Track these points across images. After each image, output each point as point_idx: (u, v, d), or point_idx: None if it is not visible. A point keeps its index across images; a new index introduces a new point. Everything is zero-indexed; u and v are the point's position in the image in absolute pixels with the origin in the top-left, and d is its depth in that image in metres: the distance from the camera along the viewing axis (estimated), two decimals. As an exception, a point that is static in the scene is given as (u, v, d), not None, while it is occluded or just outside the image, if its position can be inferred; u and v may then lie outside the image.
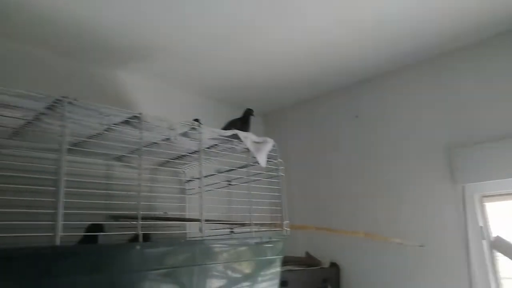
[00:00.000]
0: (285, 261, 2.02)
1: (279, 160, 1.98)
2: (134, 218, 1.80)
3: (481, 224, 2.07)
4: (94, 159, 2.06)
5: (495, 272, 2.03)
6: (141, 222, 1.37)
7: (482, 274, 2.02)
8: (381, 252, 2.41)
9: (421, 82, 2.40)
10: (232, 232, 2.16)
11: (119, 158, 2.15)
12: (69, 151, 1.89)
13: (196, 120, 1.88)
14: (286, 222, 1.91)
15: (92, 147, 1.79)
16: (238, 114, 2.23)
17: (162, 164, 2.26)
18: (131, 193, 1.45)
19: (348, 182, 2.66)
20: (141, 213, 1.39)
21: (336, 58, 2.36)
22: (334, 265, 2.60)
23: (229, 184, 2.22)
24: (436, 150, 2.26)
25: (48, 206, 1.44)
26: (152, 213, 1.99)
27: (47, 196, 1.40)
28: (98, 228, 1.57)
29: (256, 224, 1.79)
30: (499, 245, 2.04)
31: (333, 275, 2.56)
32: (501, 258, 2.04)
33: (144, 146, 1.85)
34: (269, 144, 1.92)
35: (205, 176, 2.25)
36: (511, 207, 2.08)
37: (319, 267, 2.56)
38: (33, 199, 1.37)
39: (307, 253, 2.64)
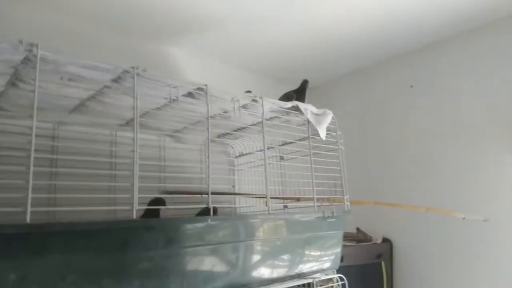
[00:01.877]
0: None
1: (338, 133, 1.91)
2: (190, 192, 1.79)
3: (553, 198, 1.95)
4: (146, 135, 2.04)
5: None
6: (211, 195, 1.34)
7: (554, 251, 1.92)
8: (437, 227, 2.32)
9: (484, 47, 2.23)
10: (286, 207, 2.12)
11: (171, 134, 2.12)
12: (123, 127, 1.90)
13: (248, 92, 1.82)
14: (347, 196, 1.85)
15: (150, 122, 1.76)
16: (282, 88, 2.15)
17: (212, 140, 2.23)
18: (195, 164, 1.42)
19: (405, 155, 2.55)
20: (211, 186, 1.35)
21: (390, 24, 2.21)
22: (386, 241, 2.54)
23: (281, 158, 2.17)
24: (502, 120, 2.11)
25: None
26: (214, 185, 1.97)
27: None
28: (160, 202, 1.55)
29: (318, 199, 1.74)
30: None
31: (386, 250, 2.50)
32: None
33: (199, 121, 1.82)
34: (329, 116, 1.85)
35: (259, 151, 2.22)
36: None
37: (371, 242, 2.50)
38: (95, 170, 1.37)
39: (358, 229, 2.59)
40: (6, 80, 1.29)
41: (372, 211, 2.56)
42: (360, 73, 2.88)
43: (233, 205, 2.02)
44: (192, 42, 2.35)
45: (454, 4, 2.01)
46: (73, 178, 1.61)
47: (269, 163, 2.10)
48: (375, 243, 2.50)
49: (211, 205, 1.33)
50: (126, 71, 1.25)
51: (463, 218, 2.10)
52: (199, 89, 1.43)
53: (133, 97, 1.23)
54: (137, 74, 1.26)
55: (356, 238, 2.54)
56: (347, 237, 2.54)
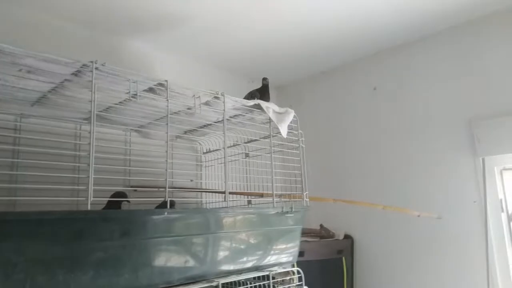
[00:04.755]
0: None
1: (300, 131, 1.97)
2: (154, 187, 1.82)
3: (500, 197, 2.07)
4: (112, 130, 2.05)
5: (512, 244, 2.04)
6: (169, 189, 1.37)
7: (499, 247, 2.04)
8: (395, 224, 2.42)
9: (442, 52, 2.34)
10: (250, 202, 2.18)
11: (137, 129, 2.14)
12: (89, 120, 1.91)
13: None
14: (306, 193, 1.92)
15: (113, 117, 1.78)
16: (252, 87, 2.20)
17: (178, 136, 2.26)
18: (159, 159, 1.45)
19: (366, 155, 2.65)
20: (168, 180, 1.38)
21: (353, 28, 2.30)
22: (348, 237, 2.63)
23: (247, 156, 2.22)
24: (457, 122, 2.23)
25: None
26: (177, 180, 2.00)
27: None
28: (122, 195, 1.58)
29: (277, 195, 1.80)
30: (517, 218, 2.04)
31: (347, 246, 2.59)
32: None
33: (165, 116, 1.85)
34: (291, 114, 1.91)
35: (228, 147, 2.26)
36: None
37: (333, 238, 2.58)
38: (57, 162, 1.38)
39: (321, 226, 2.66)
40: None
41: (335, 208, 2.64)
42: (326, 74, 2.96)
43: (195, 199, 2.05)
44: (162, 38, 2.37)
45: (418, 7, 2.09)
46: (35, 170, 1.62)
47: (234, 160, 2.17)
48: (337, 239, 2.58)
49: (168, 198, 1.36)
50: (85, 65, 1.27)
51: (418, 216, 2.21)
52: (159, 84, 1.46)
53: (91, 92, 1.26)
54: (96, 68, 1.28)
55: (319, 234, 2.62)
56: (310, 233, 2.63)
